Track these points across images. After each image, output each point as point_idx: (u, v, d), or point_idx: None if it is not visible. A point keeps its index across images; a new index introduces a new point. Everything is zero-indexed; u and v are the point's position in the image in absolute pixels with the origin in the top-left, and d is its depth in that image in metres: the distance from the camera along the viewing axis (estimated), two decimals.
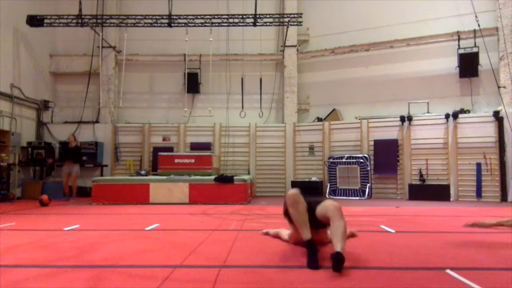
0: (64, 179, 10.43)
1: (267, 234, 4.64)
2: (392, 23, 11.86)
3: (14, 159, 10.97)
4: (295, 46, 12.91)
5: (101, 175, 12.06)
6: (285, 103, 12.83)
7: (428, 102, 11.16)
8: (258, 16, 11.17)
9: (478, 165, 10.18)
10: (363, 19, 12.30)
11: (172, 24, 11.28)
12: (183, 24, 11.33)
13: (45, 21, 11.27)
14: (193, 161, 10.27)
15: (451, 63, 11.02)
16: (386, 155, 11.14)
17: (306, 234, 3.42)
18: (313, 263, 3.15)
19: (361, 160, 11.16)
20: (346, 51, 12.51)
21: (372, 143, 11.42)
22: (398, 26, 11.74)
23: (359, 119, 11.80)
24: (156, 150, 11.94)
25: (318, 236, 3.65)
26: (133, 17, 11.54)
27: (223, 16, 11.46)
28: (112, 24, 11.73)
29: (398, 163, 11.11)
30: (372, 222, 6.19)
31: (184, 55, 12.38)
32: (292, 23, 11.48)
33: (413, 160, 10.92)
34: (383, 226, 5.52)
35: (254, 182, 11.94)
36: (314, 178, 11.84)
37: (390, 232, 5.12)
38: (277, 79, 13.16)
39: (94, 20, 11.59)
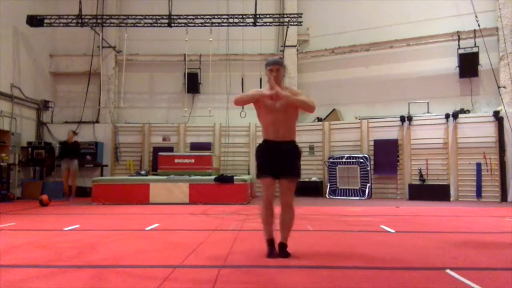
0: (64, 176, 10.37)
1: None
2: (392, 23, 11.85)
3: (14, 159, 10.96)
4: (295, 46, 12.91)
5: (101, 175, 12.06)
6: None
7: (428, 102, 11.16)
8: (258, 16, 11.17)
9: (478, 165, 10.17)
10: (363, 19, 12.29)
11: (172, 24, 11.28)
12: (183, 24, 11.33)
13: (45, 21, 11.27)
14: (193, 161, 10.26)
15: (451, 63, 11.01)
16: (386, 155, 11.13)
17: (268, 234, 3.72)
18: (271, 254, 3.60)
19: (361, 160, 11.15)
20: (346, 51, 12.50)
21: (372, 143, 11.41)
22: (398, 26, 11.73)
23: (359, 119, 11.80)
24: (156, 150, 11.94)
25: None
26: (133, 17, 11.54)
27: (223, 16, 11.46)
28: (112, 24, 11.73)
29: (398, 163, 11.10)
30: (372, 222, 6.19)
31: (184, 55, 12.37)
32: (292, 23, 11.48)
33: (413, 160, 10.91)
34: (383, 226, 5.52)
35: (254, 182, 11.93)
36: (314, 178, 11.83)
37: (390, 232, 5.12)
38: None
39: (94, 20, 11.59)
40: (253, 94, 3.81)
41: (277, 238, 3.71)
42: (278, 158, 3.62)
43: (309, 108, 3.75)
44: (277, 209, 3.72)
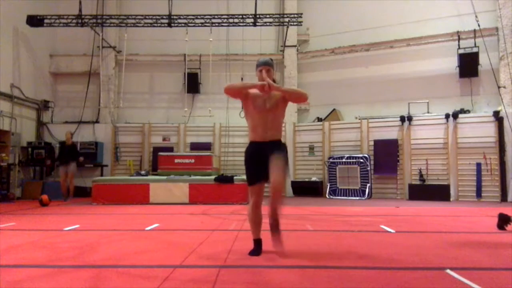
0: (62, 178, 10.35)
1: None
2: (392, 23, 11.85)
3: (14, 159, 10.96)
4: (295, 46, 12.91)
5: (101, 175, 12.06)
6: None
7: (428, 102, 11.16)
8: (258, 16, 11.17)
9: (478, 165, 10.18)
10: (363, 19, 12.29)
11: (172, 24, 11.28)
12: (183, 24, 11.34)
13: (45, 21, 11.27)
14: (193, 161, 10.26)
15: (451, 63, 11.01)
16: (386, 155, 11.13)
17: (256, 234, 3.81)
18: (256, 253, 3.69)
19: (361, 160, 11.16)
20: (346, 51, 12.50)
21: (372, 143, 11.41)
22: (398, 26, 11.73)
23: (359, 119, 11.80)
24: (156, 150, 11.94)
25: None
26: (133, 17, 11.54)
27: (223, 16, 11.46)
28: (112, 24, 11.73)
29: (398, 163, 11.10)
30: (372, 222, 6.19)
31: (184, 55, 12.38)
32: (292, 23, 11.48)
33: (413, 160, 10.91)
34: (383, 226, 5.52)
35: None
36: (314, 178, 11.84)
37: (390, 232, 5.12)
38: (277, 79, 13.16)
39: (94, 20, 11.59)
40: (244, 83, 3.85)
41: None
42: (266, 161, 3.62)
43: (302, 97, 3.82)
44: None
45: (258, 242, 3.76)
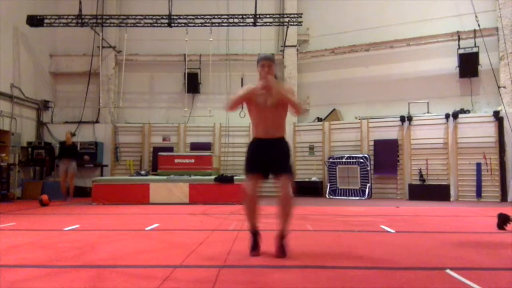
0: (61, 177, 10.32)
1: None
2: (392, 23, 11.84)
3: (14, 159, 10.96)
4: (295, 46, 12.90)
5: (101, 175, 12.06)
6: None
7: (428, 102, 11.16)
8: (258, 16, 11.17)
9: (478, 165, 10.17)
10: (363, 19, 12.29)
11: (172, 24, 11.28)
12: (183, 24, 11.34)
13: (45, 21, 11.27)
14: (193, 161, 10.27)
15: (451, 63, 11.01)
16: (386, 155, 11.13)
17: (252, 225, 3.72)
18: (254, 249, 3.63)
19: (361, 160, 11.16)
20: (346, 51, 12.50)
21: (372, 143, 11.41)
22: (398, 26, 11.73)
23: (359, 119, 11.80)
24: (156, 150, 11.94)
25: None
26: (133, 17, 11.54)
27: (223, 16, 11.46)
28: (112, 24, 11.73)
29: (398, 163, 11.10)
30: (372, 222, 6.19)
31: (184, 55, 12.37)
32: (292, 23, 11.48)
33: (413, 160, 10.91)
34: (383, 226, 5.52)
35: None
36: (314, 178, 11.84)
37: (390, 232, 5.12)
38: (279, 76, 13.14)
39: (94, 20, 11.58)
40: (245, 92, 3.77)
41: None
42: (269, 156, 3.64)
43: (298, 109, 3.80)
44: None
45: (255, 234, 3.69)
